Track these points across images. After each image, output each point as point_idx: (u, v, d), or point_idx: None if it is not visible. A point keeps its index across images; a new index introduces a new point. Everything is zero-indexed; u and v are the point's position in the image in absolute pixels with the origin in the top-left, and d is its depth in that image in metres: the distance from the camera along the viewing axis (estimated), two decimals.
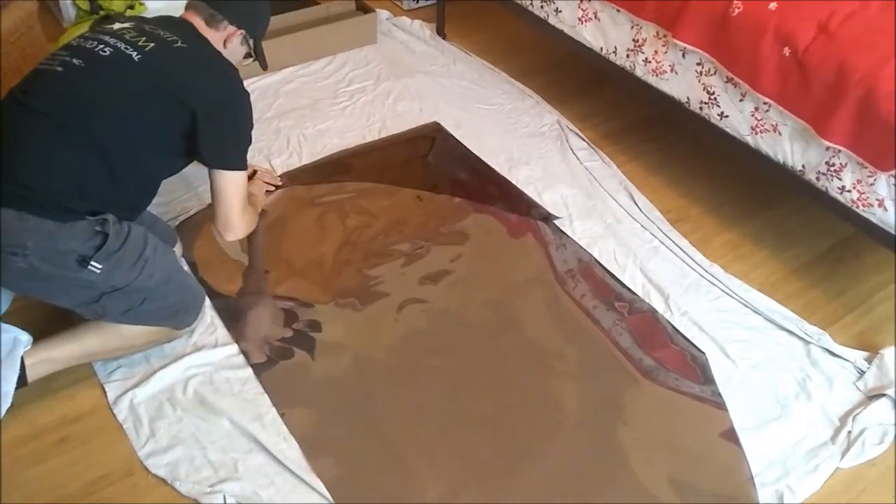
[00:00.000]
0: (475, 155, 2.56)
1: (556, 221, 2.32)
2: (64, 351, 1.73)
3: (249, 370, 1.84)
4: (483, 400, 1.83)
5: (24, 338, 1.69)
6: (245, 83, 1.94)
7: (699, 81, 2.20)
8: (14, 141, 1.63)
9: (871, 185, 1.87)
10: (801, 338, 2.01)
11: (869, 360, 1.95)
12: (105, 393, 1.78)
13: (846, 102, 1.84)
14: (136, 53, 1.74)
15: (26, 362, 1.68)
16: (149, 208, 1.92)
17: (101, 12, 2.84)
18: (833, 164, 1.94)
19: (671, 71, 2.27)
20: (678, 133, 2.71)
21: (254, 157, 2.09)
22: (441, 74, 2.99)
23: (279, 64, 2.86)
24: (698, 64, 2.19)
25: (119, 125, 1.70)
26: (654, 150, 2.66)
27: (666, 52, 2.27)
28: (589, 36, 2.52)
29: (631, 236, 2.29)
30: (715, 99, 2.17)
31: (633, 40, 2.36)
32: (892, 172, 1.81)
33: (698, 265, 2.20)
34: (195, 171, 2.10)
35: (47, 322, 1.82)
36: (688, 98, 2.26)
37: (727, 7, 2.06)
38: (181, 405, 1.75)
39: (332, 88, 2.86)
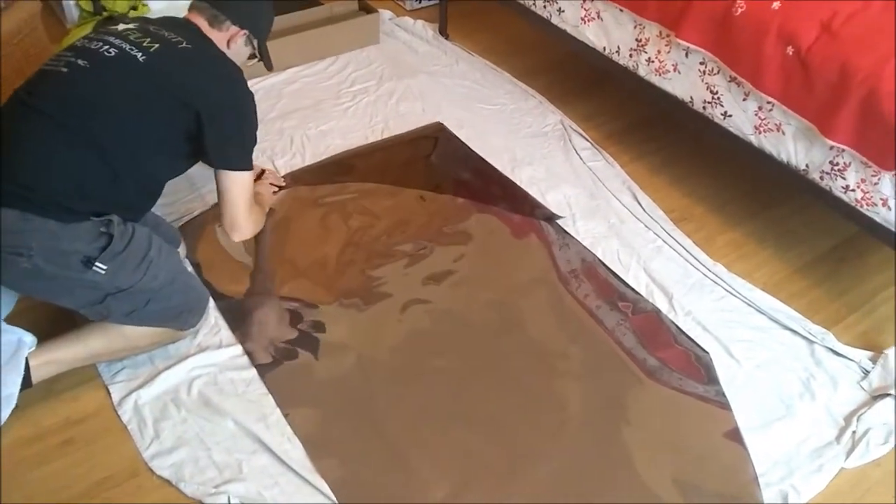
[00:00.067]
0: (478, 155, 2.56)
1: (559, 221, 2.32)
2: (68, 352, 1.73)
3: (254, 371, 1.84)
4: (486, 400, 1.83)
5: (29, 339, 1.70)
6: (248, 83, 1.94)
7: (702, 81, 2.20)
8: (15, 141, 1.63)
9: (875, 184, 1.87)
10: (805, 337, 2.00)
11: (873, 360, 1.94)
12: (109, 394, 1.78)
13: (849, 102, 1.84)
14: (140, 54, 1.74)
15: (31, 364, 1.68)
16: (153, 209, 1.92)
17: (105, 13, 2.84)
18: (837, 164, 1.94)
19: (674, 70, 2.27)
20: (681, 133, 2.70)
21: (257, 157, 2.09)
22: (444, 74, 2.99)
23: (282, 64, 2.87)
24: (701, 63, 2.19)
25: (120, 125, 1.70)
26: (657, 150, 2.66)
27: (669, 52, 2.27)
28: (592, 36, 2.52)
29: (634, 236, 2.28)
30: (718, 98, 2.17)
31: (636, 40, 2.36)
32: None
33: (702, 265, 2.19)
34: (199, 172, 2.10)
35: (51, 323, 1.83)
36: (691, 97, 2.26)
37: (730, 6, 2.06)
38: (185, 406, 1.76)
39: (335, 89, 2.86)
